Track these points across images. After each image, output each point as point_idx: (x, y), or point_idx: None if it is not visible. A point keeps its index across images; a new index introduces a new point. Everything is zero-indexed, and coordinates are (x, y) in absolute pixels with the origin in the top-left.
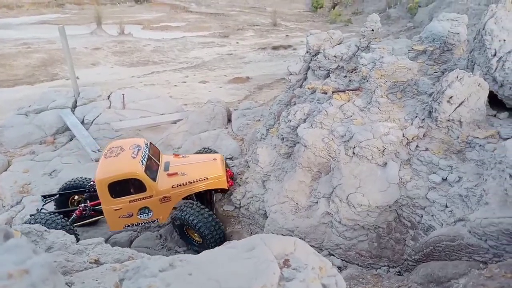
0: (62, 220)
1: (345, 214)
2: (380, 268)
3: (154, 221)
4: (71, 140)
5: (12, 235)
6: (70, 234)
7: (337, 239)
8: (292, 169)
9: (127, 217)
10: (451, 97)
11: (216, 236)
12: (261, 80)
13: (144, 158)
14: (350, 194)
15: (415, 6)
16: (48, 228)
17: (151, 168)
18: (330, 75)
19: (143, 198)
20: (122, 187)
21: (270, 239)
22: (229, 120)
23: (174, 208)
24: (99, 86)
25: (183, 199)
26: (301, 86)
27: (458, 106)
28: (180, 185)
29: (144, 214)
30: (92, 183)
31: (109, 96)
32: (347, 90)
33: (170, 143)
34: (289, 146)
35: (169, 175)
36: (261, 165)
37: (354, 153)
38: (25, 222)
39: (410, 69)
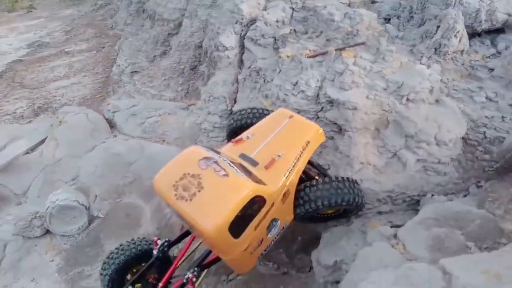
0: None
1: (437, 154)
2: (470, 186)
3: (283, 228)
4: None
5: None
6: None
7: (436, 179)
8: (342, 138)
9: (258, 246)
10: (458, 31)
11: (362, 194)
12: None
13: (233, 167)
14: (436, 133)
15: None
16: None
17: (244, 171)
18: (289, 39)
19: (267, 212)
20: (242, 217)
21: None
22: (112, 126)
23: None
24: None
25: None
26: (241, 60)
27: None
28: (291, 170)
29: (273, 228)
30: (163, 242)
31: None
32: (349, 47)
33: (55, 178)
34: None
35: (267, 167)
36: None
37: (408, 99)
38: None
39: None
